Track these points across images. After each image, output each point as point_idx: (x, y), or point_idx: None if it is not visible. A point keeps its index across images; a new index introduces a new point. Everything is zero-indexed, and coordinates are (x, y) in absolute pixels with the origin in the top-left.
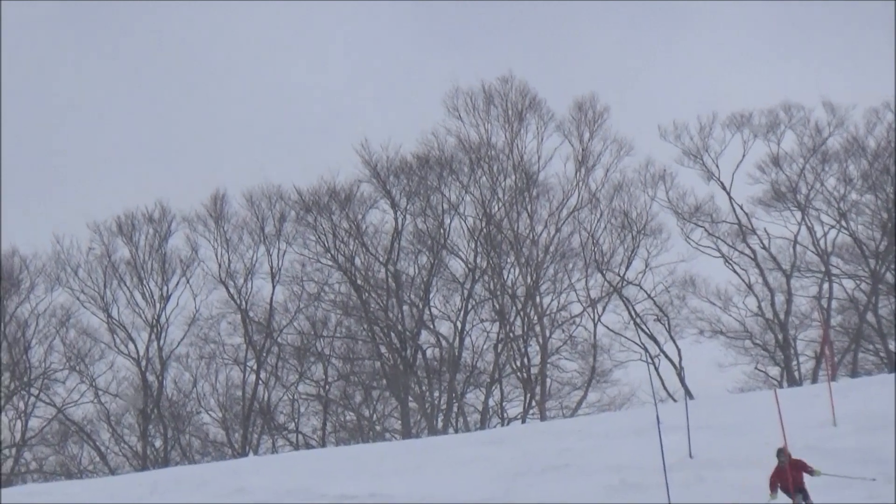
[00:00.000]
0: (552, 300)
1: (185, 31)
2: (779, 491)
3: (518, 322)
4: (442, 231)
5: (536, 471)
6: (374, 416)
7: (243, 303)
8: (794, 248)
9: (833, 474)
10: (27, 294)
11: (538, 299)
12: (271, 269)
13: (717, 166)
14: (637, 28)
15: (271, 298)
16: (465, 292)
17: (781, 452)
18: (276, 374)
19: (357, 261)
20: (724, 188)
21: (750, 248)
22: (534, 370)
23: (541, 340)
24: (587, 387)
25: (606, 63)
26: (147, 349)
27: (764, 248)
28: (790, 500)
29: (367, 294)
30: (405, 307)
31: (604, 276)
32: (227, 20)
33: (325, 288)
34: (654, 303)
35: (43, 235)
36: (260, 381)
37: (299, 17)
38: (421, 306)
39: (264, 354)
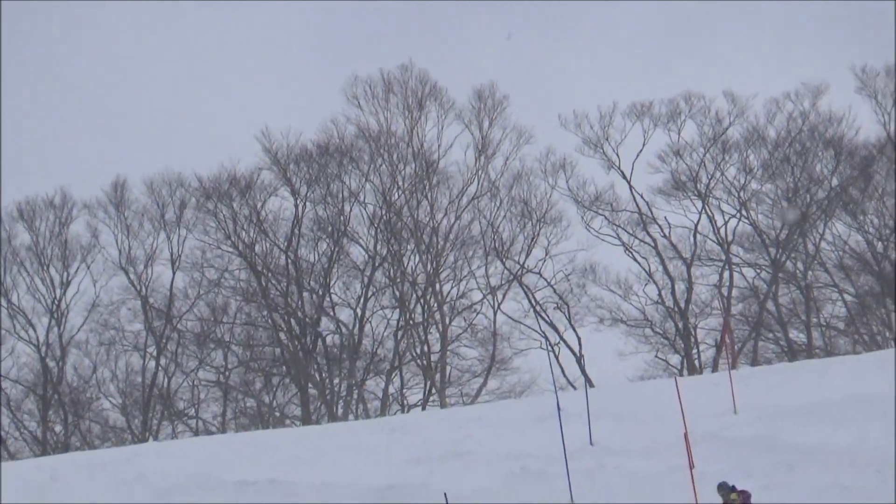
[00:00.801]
0: (452, 287)
1: (88, 16)
2: None
3: (418, 309)
4: (342, 218)
5: (437, 458)
6: (274, 402)
7: (143, 289)
8: (695, 236)
9: None
10: None
11: (438, 287)
12: (171, 256)
13: (618, 155)
14: (537, 20)
15: (171, 285)
16: (366, 279)
17: (724, 488)
18: (176, 360)
19: (257, 248)
20: (624, 177)
21: (650, 236)
22: (434, 357)
23: (441, 328)
24: (487, 374)
25: (507, 54)
26: (47, 335)
27: (664, 236)
28: None
29: (267, 281)
30: (305, 294)
31: (504, 263)
32: (131, 8)
33: (226, 274)
34: (555, 291)
35: None
36: (160, 368)
37: (204, 6)
38: (321, 293)
39: (164, 341)
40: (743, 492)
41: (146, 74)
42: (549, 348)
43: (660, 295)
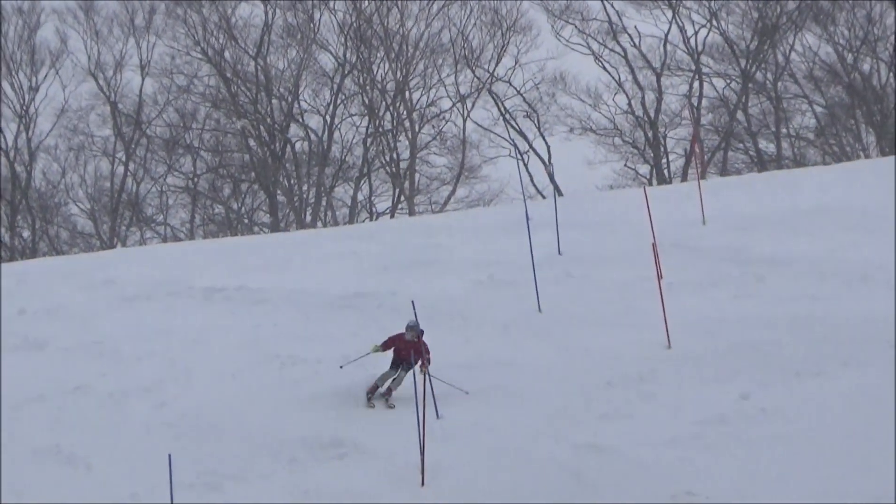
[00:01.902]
0: (422, 95)
1: None
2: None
3: (387, 117)
4: (312, 25)
5: (405, 265)
6: (243, 209)
7: (112, 95)
8: (665, 46)
9: (442, 380)
10: None
11: (408, 94)
12: (140, 62)
13: None
14: None
15: (140, 90)
16: (335, 87)
17: (412, 329)
18: (145, 166)
19: (227, 54)
20: None
21: (620, 46)
22: (403, 165)
23: (410, 135)
24: (456, 182)
25: None
26: (16, 140)
27: (634, 46)
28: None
29: (236, 87)
30: (274, 101)
31: (473, 72)
32: None
33: (195, 81)
34: (524, 99)
35: None
36: (128, 173)
37: None
38: (290, 100)
39: (133, 146)
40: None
41: None
42: (519, 157)
43: (629, 104)
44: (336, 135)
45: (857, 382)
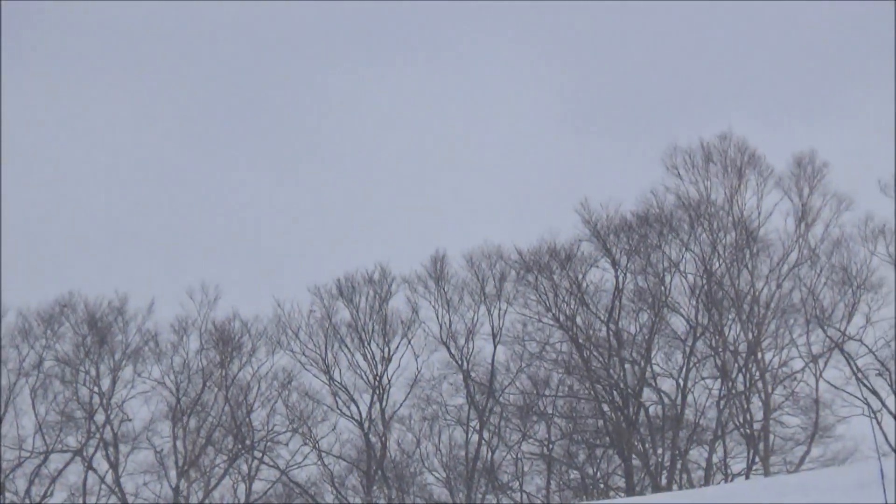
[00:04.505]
0: (774, 356)
1: (407, 94)
2: None
3: (740, 378)
4: (662, 289)
5: None
6: (598, 473)
7: (465, 363)
8: None
9: None
10: (249, 357)
11: (760, 355)
12: (492, 329)
13: None
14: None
15: (493, 358)
16: (687, 349)
17: None
18: (499, 433)
19: (578, 319)
20: None
21: None
22: (757, 426)
23: (763, 396)
24: (810, 442)
25: (820, 115)
26: (370, 411)
27: None
28: None
29: (588, 352)
30: (627, 365)
31: (825, 331)
32: (443, 84)
33: (547, 347)
34: (876, 357)
35: (265, 301)
36: (483, 441)
37: (503, 80)
38: (643, 364)
39: (487, 414)
40: None
41: (461, 151)
42: (872, 415)
43: None
44: (689, 397)
45: None
